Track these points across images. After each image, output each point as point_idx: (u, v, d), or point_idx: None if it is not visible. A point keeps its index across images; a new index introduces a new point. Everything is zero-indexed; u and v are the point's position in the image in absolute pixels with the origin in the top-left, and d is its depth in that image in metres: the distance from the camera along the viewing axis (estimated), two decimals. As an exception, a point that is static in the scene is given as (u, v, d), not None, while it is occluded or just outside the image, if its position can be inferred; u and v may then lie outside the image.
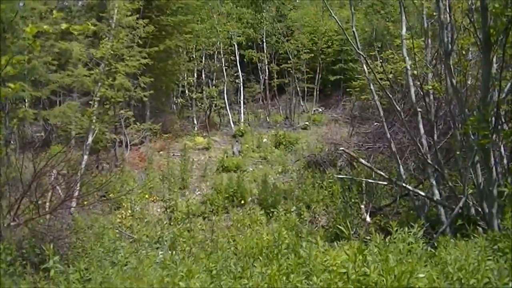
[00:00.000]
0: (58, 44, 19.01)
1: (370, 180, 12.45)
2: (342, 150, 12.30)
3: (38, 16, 19.81)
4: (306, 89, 33.80)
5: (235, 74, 30.98)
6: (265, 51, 32.77)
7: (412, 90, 11.03)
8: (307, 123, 28.96)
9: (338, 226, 12.77)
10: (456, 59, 9.95)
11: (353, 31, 11.44)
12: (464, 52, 10.26)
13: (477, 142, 8.55)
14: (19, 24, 17.99)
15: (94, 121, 17.24)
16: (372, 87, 11.79)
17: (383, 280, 4.55)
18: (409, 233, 5.70)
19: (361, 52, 10.85)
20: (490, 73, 8.14)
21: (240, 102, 30.21)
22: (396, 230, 5.70)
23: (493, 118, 8.12)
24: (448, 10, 9.64)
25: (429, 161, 10.15)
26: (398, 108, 10.60)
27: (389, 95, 10.89)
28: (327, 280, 4.85)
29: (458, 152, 10.22)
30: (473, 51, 10.73)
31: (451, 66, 9.42)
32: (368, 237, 5.85)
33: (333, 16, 11.41)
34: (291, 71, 32.31)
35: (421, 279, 4.64)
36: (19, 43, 16.75)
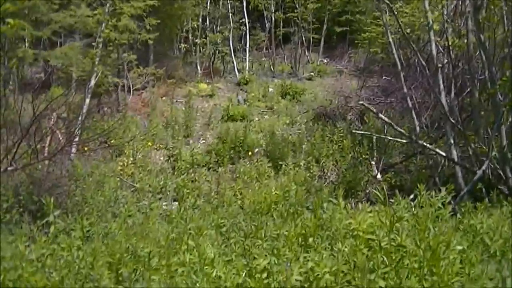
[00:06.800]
0: (61, -19, 18.32)
1: (389, 137, 11.97)
2: (362, 104, 11.76)
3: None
4: (311, 39, 33.14)
5: (241, 21, 30.26)
6: (271, -1, 32.00)
7: (433, 45, 10.48)
8: (312, 73, 28.38)
9: (348, 182, 12.56)
10: (483, 14, 9.38)
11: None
12: (493, 7, 9.67)
13: (507, 103, 8.08)
14: (20, -42, 17.20)
15: (96, 63, 16.64)
16: (390, 39, 11.25)
17: (420, 251, 4.13)
18: (437, 198, 5.22)
19: (387, 1, 10.21)
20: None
21: (245, 49, 29.56)
22: (422, 194, 5.22)
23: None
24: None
25: (452, 120, 9.65)
26: (423, 63, 10.04)
27: (415, 49, 10.37)
28: (352, 246, 4.42)
29: (482, 112, 9.76)
30: (499, 6, 10.11)
31: (480, 22, 8.90)
32: (391, 200, 5.44)
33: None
34: (297, 21, 31.61)
35: (455, 251, 4.23)
36: (19, -22, 16.01)
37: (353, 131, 14.59)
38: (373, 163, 13.59)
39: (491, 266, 4.03)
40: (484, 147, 9.31)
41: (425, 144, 10.13)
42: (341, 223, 4.99)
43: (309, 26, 32.35)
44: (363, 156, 14.01)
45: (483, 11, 9.25)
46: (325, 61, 33.19)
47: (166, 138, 16.63)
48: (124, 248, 4.96)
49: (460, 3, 10.84)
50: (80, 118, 14.79)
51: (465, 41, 9.68)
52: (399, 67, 11.20)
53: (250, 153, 15.40)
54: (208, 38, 28.06)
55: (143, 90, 21.99)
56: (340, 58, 33.17)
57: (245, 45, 29.70)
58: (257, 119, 19.66)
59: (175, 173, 14.21)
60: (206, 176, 13.86)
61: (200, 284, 4.06)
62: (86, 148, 13.72)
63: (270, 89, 23.53)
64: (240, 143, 15.65)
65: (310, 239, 4.96)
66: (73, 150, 13.66)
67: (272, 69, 29.91)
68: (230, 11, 29.26)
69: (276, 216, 6.60)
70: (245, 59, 29.17)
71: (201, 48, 28.25)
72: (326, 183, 13.38)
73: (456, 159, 9.78)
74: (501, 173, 8.83)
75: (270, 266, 4.07)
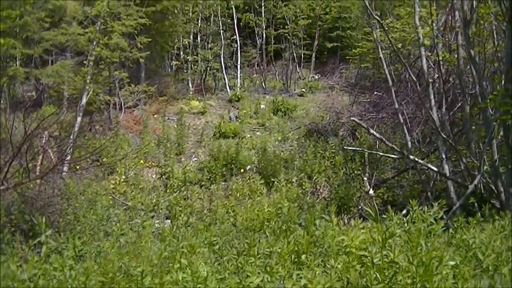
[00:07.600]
0: (52, 0, 18.32)
1: (380, 153, 11.97)
2: (353, 119, 11.80)
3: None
4: (302, 55, 33.27)
5: (232, 38, 30.39)
6: (262, 16, 32.13)
7: (424, 60, 10.55)
8: (303, 89, 28.48)
9: (341, 198, 12.56)
10: (473, 29, 9.45)
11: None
12: (482, 22, 9.75)
13: (498, 118, 8.12)
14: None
15: (88, 81, 16.65)
16: (381, 55, 11.30)
17: (412, 267, 4.12)
18: (429, 213, 5.21)
19: (377, 17, 10.30)
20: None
21: (236, 66, 29.64)
22: (415, 209, 5.21)
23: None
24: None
25: (443, 135, 9.68)
26: (414, 78, 10.10)
27: (406, 65, 10.44)
28: (345, 263, 4.42)
29: (473, 126, 9.80)
30: (489, 21, 10.20)
31: (470, 36, 8.96)
32: (384, 216, 5.43)
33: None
34: (288, 37, 31.76)
35: (448, 266, 4.22)
36: (10, -3, 16.02)
37: (345, 147, 14.59)
38: (365, 178, 13.60)
39: (484, 281, 4.02)
40: (476, 162, 9.32)
41: (416, 159, 10.13)
42: (333, 239, 4.97)
43: (300, 42, 32.51)
44: (355, 172, 14.04)
45: (473, 26, 9.31)
46: (317, 77, 33.32)
47: (158, 156, 16.62)
48: (117, 267, 4.92)
49: (450, 18, 10.90)
50: (71, 137, 14.77)
51: (456, 55, 9.72)
52: (390, 83, 11.22)
53: (242, 170, 15.36)
54: (199, 55, 28.12)
55: (134, 108, 21.99)
56: (331, 74, 33.29)
57: (237, 61, 29.81)
58: (249, 136, 19.63)
59: (168, 190, 14.19)
60: (198, 194, 13.84)
61: (193, 302, 4.05)
62: (78, 167, 13.68)
63: (262, 106, 23.58)
64: (232, 160, 15.59)
65: (303, 256, 4.93)
66: (65, 168, 13.63)
67: (263, 85, 30.02)
68: (221, 28, 29.48)
69: (269, 233, 6.55)
70: (237, 75, 29.25)
71: (192, 65, 28.30)
72: (318, 200, 13.38)
73: (448, 174, 9.79)
74: (493, 187, 8.85)
75: (263, 284, 4.06)
